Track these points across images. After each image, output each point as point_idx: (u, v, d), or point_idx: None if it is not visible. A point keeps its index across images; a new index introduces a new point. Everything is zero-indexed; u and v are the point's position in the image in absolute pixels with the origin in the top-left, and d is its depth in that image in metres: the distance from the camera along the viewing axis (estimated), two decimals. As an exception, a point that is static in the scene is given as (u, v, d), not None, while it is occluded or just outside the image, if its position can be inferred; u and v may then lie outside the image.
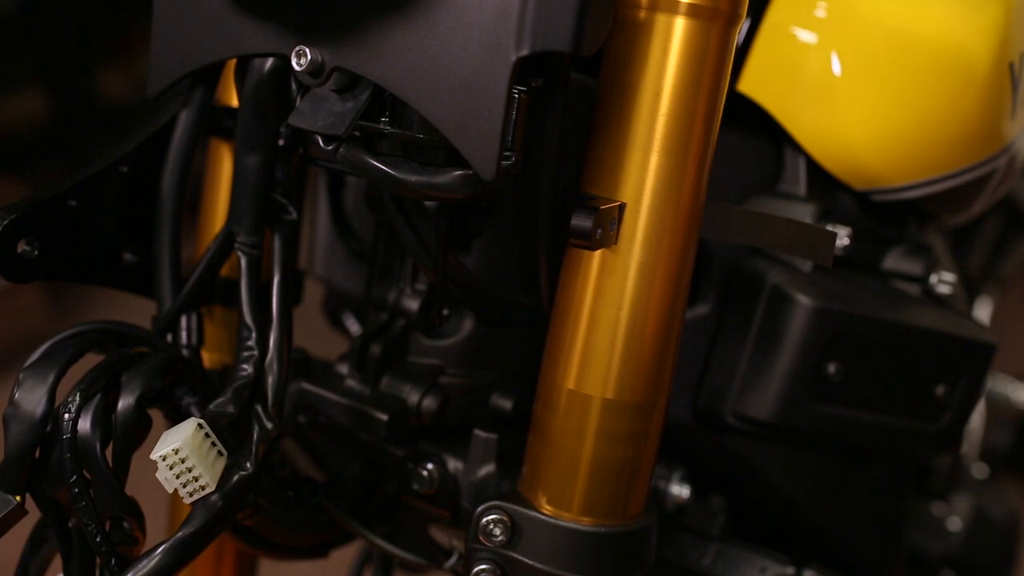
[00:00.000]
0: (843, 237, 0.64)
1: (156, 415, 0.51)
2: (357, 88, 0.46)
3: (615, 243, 0.46)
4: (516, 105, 0.42)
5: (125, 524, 0.49)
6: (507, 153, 0.42)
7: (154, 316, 0.57)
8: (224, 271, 0.58)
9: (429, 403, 0.62)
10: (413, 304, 0.63)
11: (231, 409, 0.51)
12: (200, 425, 0.48)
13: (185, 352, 0.56)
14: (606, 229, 0.45)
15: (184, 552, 0.48)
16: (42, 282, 0.54)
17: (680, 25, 0.44)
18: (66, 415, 0.46)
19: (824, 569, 0.64)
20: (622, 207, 0.46)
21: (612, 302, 0.47)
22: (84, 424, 0.46)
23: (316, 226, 0.75)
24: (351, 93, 0.46)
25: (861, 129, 0.62)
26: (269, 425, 0.52)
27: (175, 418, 0.52)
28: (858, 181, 0.65)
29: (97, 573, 0.50)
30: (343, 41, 0.44)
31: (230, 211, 0.55)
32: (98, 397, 0.47)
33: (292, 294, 0.56)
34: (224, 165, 0.63)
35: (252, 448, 0.51)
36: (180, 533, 0.48)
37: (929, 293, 0.68)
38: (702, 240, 0.50)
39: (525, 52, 0.40)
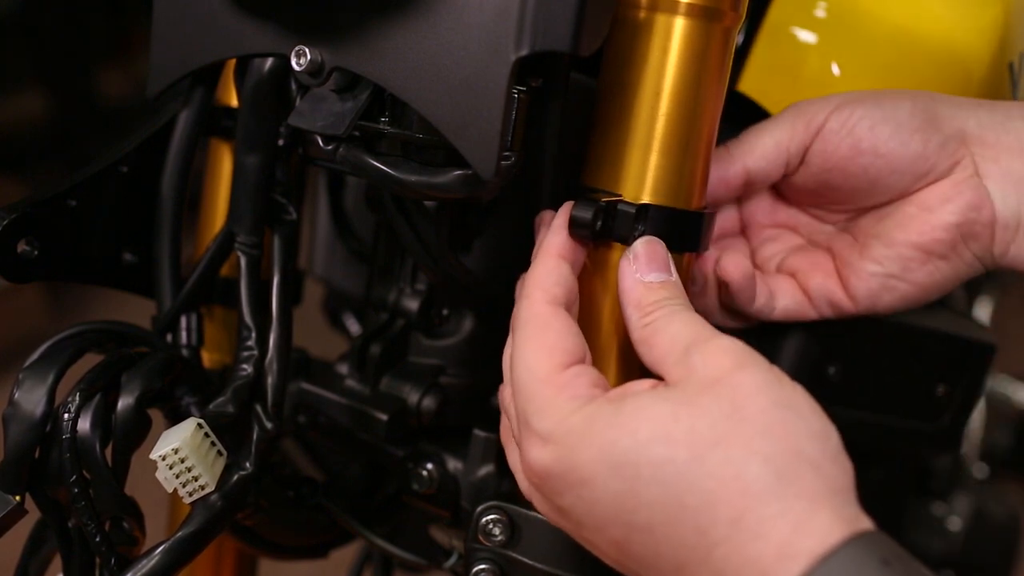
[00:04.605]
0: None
1: (156, 415, 0.51)
2: (357, 88, 0.46)
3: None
4: (516, 105, 0.42)
5: (125, 524, 0.49)
6: (507, 153, 0.42)
7: (154, 316, 0.57)
8: (224, 271, 0.58)
9: (429, 403, 0.62)
10: (413, 304, 0.63)
11: (231, 409, 0.51)
12: (200, 425, 0.48)
13: (185, 352, 0.56)
14: (606, 222, 0.45)
15: (184, 552, 0.48)
16: (42, 282, 0.54)
17: (680, 25, 0.44)
18: (66, 415, 0.46)
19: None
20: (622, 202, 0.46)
21: (612, 301, 0.47)
22: (84, 424, 0.46)
23: (316, 226, 0.74)
24: (351, 93, 0.46)
25: (861, 129, 0.62)
26: (269, 425, 0.52)
27: (175, 418, 0.52)
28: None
29: (97, 573, 0.50)
30: (343, 41, 0.44)
31: (230, 211, 0.55)
32: (98, 397, 0.47)
33: (292, 294, 0.56)
34: (224, 165, 0.63)
35: (252, 448, 0.52)
36: (180, 533, 0.48)
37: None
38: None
39: (525, 52, 0.40)
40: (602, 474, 0.38)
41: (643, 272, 0.44)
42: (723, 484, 0.36)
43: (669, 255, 0.45)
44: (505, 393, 0.46)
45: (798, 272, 0.54)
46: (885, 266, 0.51)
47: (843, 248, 0.53)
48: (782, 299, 0.53)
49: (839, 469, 0.38)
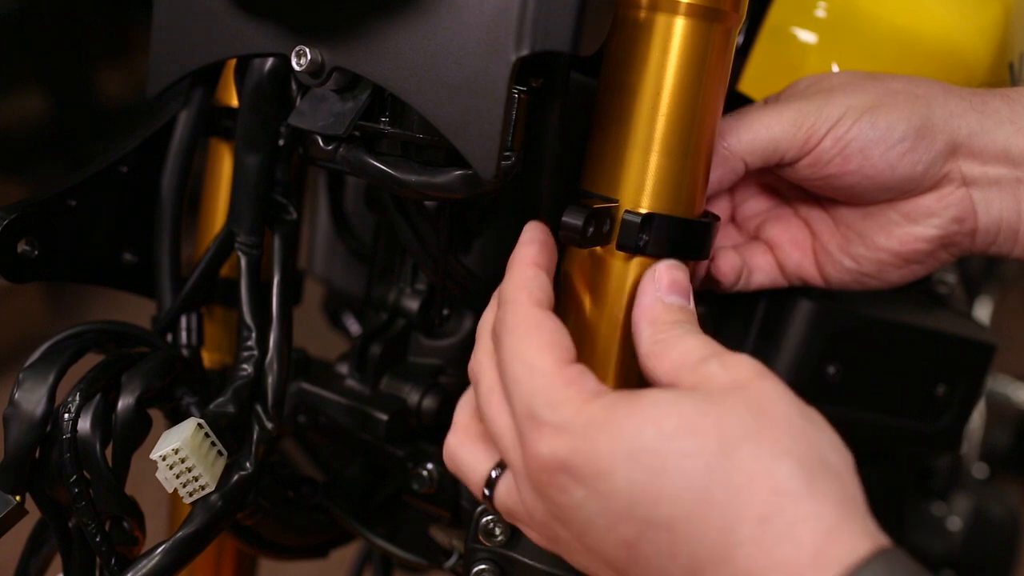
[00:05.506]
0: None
1: (156, 415, 0.51)
2: (357, 88, 0.46)
3: (611, 243, 0.46)
4: (516, 105, 0.42)
5: (125, 524, 0.49)
6: (507, 153, 0.42)
7: (154, 316, 0.57)
8: (224, 271, 0.58)
9: (429, 403, 0.62)
10: (413, 304, 0.63)
11: (231, 409, 0.51)
12: (200, 425, 0.48)
13: (185, 352, 0.56)
14: (599, 228, 0.45)
15: (184, 552, 0.48)
16: (42, 282, 0.54)
17: (680, 25, 0.44)
18: (66, 415, 0.46)
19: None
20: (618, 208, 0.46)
21: (610, 302, 0.47)
22: (84, 424, 0.46)
23: (316, 226, 0.75)
24: (351, 93, 0.46)
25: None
26: (269, 425, 0.52)
27: (175, 418, 0.52)
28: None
29: (97, 573, 0.50)
30: (343, 41, 0.44)
31: (230, 211, 0.55)
32: (98, 397, 0.47)
33: (292, 294, 0.56)
34: (224, 165, 0.63)
35: (252, 448, 0.52)
36: (180, 533, 0.48)
37: (929, 293, 0.68)
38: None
39: (525, 52, 0.40)
40: (623, 464, 0.36)
41: (664, 292, 0.44)
42: (752, 480, 0.35)
43: (690, 284, 0.45)
44: (485, 401, 0.43)
45: (776, 247, 0.56)
46: (862, 266, 0.53)
47: (823, 231, 0.55)
48: (758, 276, 0.56)
49: (857, 484, 0.37)
